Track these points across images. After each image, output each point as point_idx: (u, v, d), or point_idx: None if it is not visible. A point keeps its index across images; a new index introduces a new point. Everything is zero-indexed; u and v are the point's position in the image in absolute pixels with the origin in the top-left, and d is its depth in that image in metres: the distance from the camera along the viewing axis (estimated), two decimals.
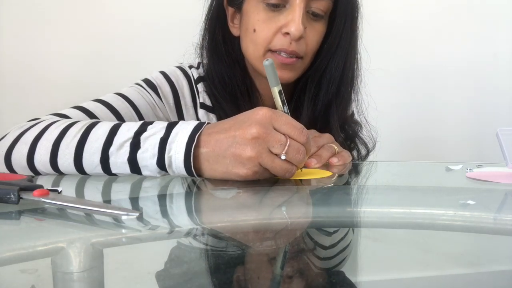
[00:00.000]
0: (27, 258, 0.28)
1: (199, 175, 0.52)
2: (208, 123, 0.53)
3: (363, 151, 0.88)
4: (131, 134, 0.52)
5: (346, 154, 0.69)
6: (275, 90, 0.56)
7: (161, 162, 0.51)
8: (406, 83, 1.53)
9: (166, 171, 0.52)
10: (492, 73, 1.55)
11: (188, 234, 0.34)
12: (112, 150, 0.52)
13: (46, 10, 1.30)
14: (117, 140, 0.52)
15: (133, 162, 0.52)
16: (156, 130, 0.52)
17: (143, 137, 0.52)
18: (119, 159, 0.52)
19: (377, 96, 0.87)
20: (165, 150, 0.50)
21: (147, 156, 0.51)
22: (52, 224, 0.36)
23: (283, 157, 0.48)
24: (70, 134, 0.54)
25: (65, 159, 0.54)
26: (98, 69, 1.33)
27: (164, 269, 0.27)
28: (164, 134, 0.51)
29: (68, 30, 1.32)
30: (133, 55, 1.33)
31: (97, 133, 0.54)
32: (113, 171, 0.53)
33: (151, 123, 0.54)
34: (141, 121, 0.55)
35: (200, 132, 0.51)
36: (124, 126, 0.54)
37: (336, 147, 0.68)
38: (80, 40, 1.32)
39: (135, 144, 0.52)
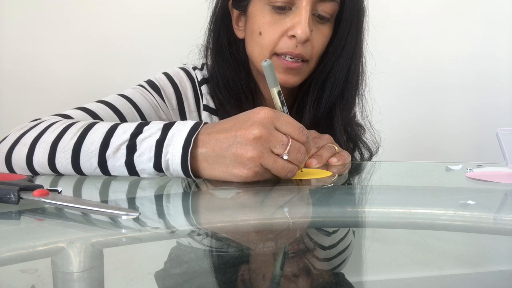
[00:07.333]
0: (27, 258, 0.28)
1: (198, 176, 0.52)
2: (205, 123, 0.52)
3: (366, 155, 0.88)
4: (127, 136, 0.52)
5: (345, 154, 0.69)
6: (274, 91, 0.56)
7: (158, 166, 0.50)
8: (406, 84, 1.53)
9: (164, 174, 0.52)
10: (492, 73, 1.55)
11: (187, 234, 0.34)
12: (109, 153, 0.52)
13: (47, 10, 1.30)
14: (114, 142, 0.52)
15: (130, 165, 0.51)
16: (152, 131, 0.51)
17: (139, 139, 0.51)
18: (116, 162, 0.52)
19: (379, 98, 0.87)
20: (161, 153, 0.50)
21: (144, 159, 0.51)
22: (52, 224, 0.36)
23: (285, 157, 0.48)
24: (67, 136, 0.54)
25: (63, 161, 0.53)
26: (101, 70, 1.33)
27: (163, 269, 0.27)
28: (160, 136, 0.51)
29: (71, 31, 1.32)
30: (136, 56, 1.34)
31: (94, 135, 0.53)
32: (112, 173, 0.53)
33: (148, 123, 0.53)
34: (138, 122, 0.54)
35: (198, 133, 0.50)
36: (120, 128, 0.53)
37: (336, 147, 0.68)
38: (83, 41, 1.32)
39: (131, 147, 0.51)
